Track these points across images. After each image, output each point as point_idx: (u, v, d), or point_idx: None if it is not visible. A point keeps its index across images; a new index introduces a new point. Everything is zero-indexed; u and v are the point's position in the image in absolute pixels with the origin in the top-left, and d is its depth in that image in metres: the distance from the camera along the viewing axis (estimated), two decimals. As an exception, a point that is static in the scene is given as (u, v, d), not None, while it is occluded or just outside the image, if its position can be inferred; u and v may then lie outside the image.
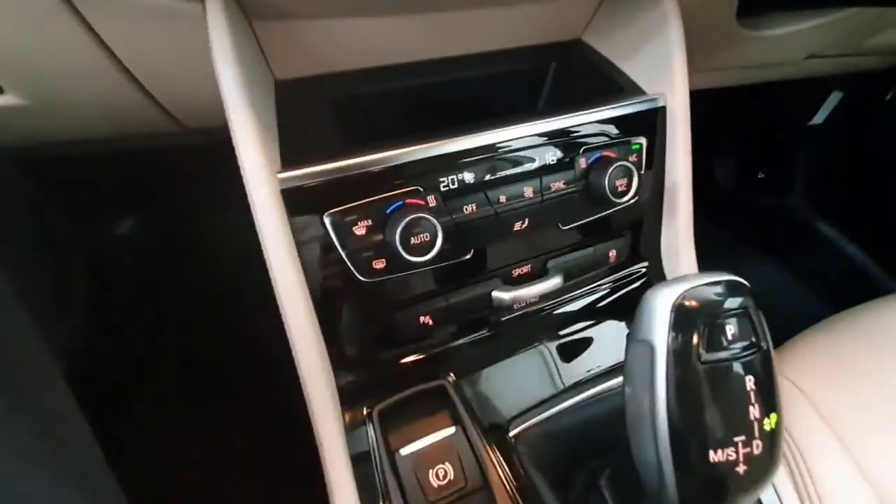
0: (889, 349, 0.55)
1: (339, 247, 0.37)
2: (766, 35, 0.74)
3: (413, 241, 0.37)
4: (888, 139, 1.11)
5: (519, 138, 0.42)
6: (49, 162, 0.59)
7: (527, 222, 0.43)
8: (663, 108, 0.48)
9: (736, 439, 0.25)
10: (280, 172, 0.35)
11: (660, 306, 0.25)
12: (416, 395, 0.41)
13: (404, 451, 0.38)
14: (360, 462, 0.38)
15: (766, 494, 0.42)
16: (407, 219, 0.36)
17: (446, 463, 0.38)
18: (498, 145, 0.41)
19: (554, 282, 0.44)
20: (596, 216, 0.46)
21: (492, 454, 0.39)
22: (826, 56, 0.90)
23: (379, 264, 0.38)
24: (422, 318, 0.41)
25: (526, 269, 0.45)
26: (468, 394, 0.42)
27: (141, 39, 0.37)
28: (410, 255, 0.37)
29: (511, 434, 0.41)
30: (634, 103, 0.47)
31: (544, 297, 0.46)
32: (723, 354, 0.25)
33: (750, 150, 1.36)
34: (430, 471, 0.37)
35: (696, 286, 0.26)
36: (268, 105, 0.40)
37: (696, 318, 0.25)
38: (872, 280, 1.17)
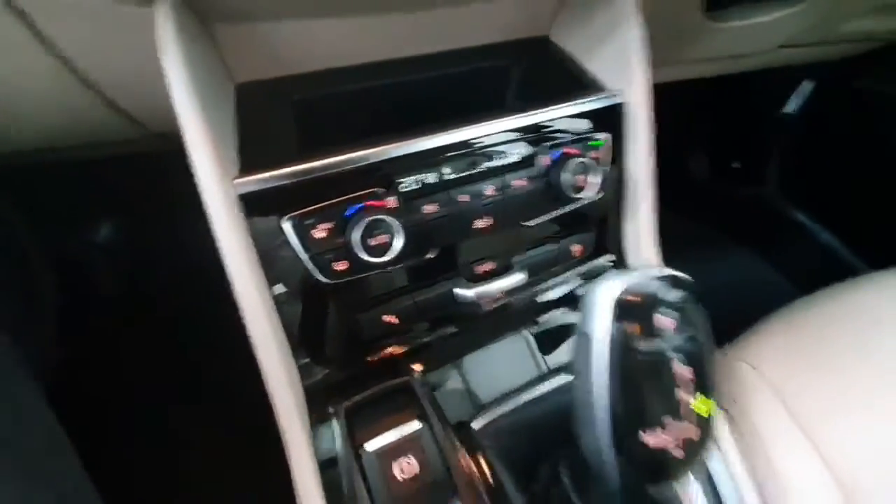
0: (850, 332, 0.57)
1: (300, 250, 0.37)
2: (735, 26, 0.75)
3: (372, 242, 0.37)
4: (857, 127, 1.14)
5: (478, 137, 0.43)
6: (16, 171, 0.59)
7: (489, 220, 0.43)
8: (623, 105, 0.49)
9: (671, 425, 0.26)
10: (237, 178, 0.36)
11: (599, 299, 0.26)
12: (382, 392, 0.42)
13: (369, 446, 0.39)
14: (327, 462, 0.39)
15: (723, 480, 0.44)
16: (366, 221, 0.37)
17: (410, 457, 0.39)
18: (457, 145, 0.42)
19: (517, 277, 0.45)
20: (558, 212, 0.47)
21: (456, 447, 0.40)
22: (799, 46, 0.91)
23: (341, 266, 0.39)
24: (385, 318, 0.42)
25: (490, 266, 0.46)
26: (434, 389, 0.43)
27: (94, 43, 0.37)
28: (371, 256, 0.37)
29: (476, 427, 0.42)
30: (594, 100, 0.47)
31: (510, 292, 0.46)
32: (658, 345, 0.26)
33: (723, 141, 1.38)
34: (395, 465, 0.38)
35: (637, 281, 0.27)
36: (225, 109, 0.40)
37: (634, 310, 0.26)
38: (846, 267, 1.20)
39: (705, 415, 0.26)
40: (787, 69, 1.28)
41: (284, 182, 0.36)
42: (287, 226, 0.37)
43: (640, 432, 0.26)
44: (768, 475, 0.47)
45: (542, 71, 0.53)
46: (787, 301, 0.66)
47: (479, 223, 0.43)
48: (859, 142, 1.15)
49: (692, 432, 0.26)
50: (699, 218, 1.40)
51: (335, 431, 0.40)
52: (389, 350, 0.44)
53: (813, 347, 0.56)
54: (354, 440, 0.40)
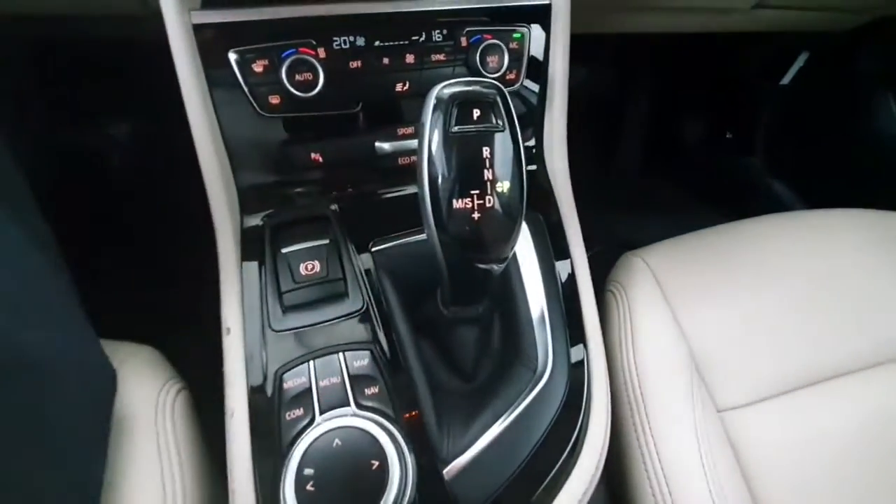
0: (733, 248, 0.63)
1: (241, 80, 0.46)
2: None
3: (298, 77, 0.46)
4: (845, 103, 1.15)
5: (409, 13, 0.50)
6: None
7: (408, 85, 0.51)
8: (548, 6, 0.55)
9: (472, 192, 0.34)
10: (194, 10, 0.45)
11: (430, 96, 0.34)
12: (303, 217, 0.51)
13: (284, 249, 0.48)
14: (250, 262, 0.48)
15: (594, 338, 0.51)
16: (293, 58, 0.45)
17: (315, 260, 0.48)
18: (387, 15, 0.49)
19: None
20: None
21: (353, 258, 0.49)
22: (774, 7, 0.94)
23: (274, 100, 0.48)
24: (312, 154, 0.51)
25: (409, 130, 0.54)
26: (346, 221, 0.52)
27: None
28: (296, 90, 0.46)
29: (373, 249, 0.51)
30: None
31: None
32: (467, 128, 0.34)
33: (720, 110, 1.40)
34: (302, 264, 0.48)
35: (460, 83, 0.35)
36: None
37: (452, 102, 0.34)
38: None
39: (503, 191, 0.34)
40: (787, 41, 1.29)
41: (233, 20, 0.45)
42: (232, 56, 0.46)
43: (451, 199, 0.34)
44: (627, 326, 0.55)
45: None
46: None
47: (399, 87, 0.51)
48: (846, 118, 1.17)
49: (489, 201, 0.34)
50: (686, 184, 1.44)
51: (264, 240, 0.50)
52: (313, 186, 0.53)
53: (700, 253, 0.63)
54: (275, 246, 0.49)
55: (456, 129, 0.34)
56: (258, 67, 0.46)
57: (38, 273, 0.43)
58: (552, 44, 0.57)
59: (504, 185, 0.35)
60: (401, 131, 0.54)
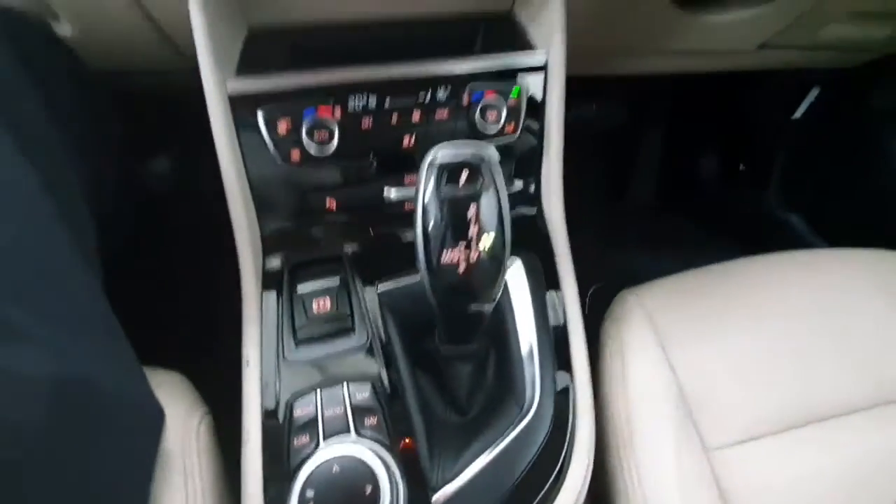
0: (727, 287, 0.65)
1: (266, 136, 0.53)
2: (706, 20, 0.83)
3: (317, 135, 0.52)
4: (857, 138, 1.15)
5: (417, 76, 0.56)
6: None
7: (414, 138, 0.57)
8: (545, 63, 0.61)
9: (460, 244, 0.38)
10: (230, 79, 0.52)
11: (425, 161, 0.40)
12: (319, 258, 0.57)
13: (300, 288, 0.54)
14: (269, 300, 0.54)
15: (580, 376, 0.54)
16: (313, 119, 0.52)
17: (326, 297, 0.53)
18: (397, 79, 0.55)
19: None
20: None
21: (361, 297, 0.54)
22: (780, 47, 0.97)
23: (295, 154, 0.54)
24: (328, 201, 0.57)
25: (415, 177, 0.59)
26: (357, 262, 0.57)
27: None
28: (315, 146, 0.52)
29: (379, 288, 0.55)
30: (518, 55, 0.59)
31: None
32: (455, 190, 0.39)
33: (731, 142, 1.42)
34: (315, 301, 0.53)
35: (452, 148, 0.40)
36: (235, 37, 0.56)
37: (443, 168, 0.39)
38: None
39: (486, 246, 0.39)
40: (800, 75, 1.31)
41: (263, 88, 0.52)
42: (260, 114, 0.52)
43: (440, 252, 0.39)
44: (621, 370, 0.57)
45: (489, 29, 0.65)
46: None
47: (406, 140, 0.57)
48: (860, 153, 1.17)
49: (474, 256, 0.39)
50: (700, 217, 1.45)
51: (283, 280, 0.55)
52: (329, 230, 0.59)
53: (697, 292, 0.65)
54: (292, 286, 0.55)
55: (445, 189, 0.39)
56: (282, 126, 0.53)
57: (94, 297, 0.46)
58: (548, 96, 0.62)
59: (488, 240, 0.39)
60: (407, 179, 0.59)
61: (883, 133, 1.09)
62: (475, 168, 0.39)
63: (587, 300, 0.56)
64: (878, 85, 1.12)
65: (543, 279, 0.58)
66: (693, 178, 1.52)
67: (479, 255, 0.39)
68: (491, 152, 0.40)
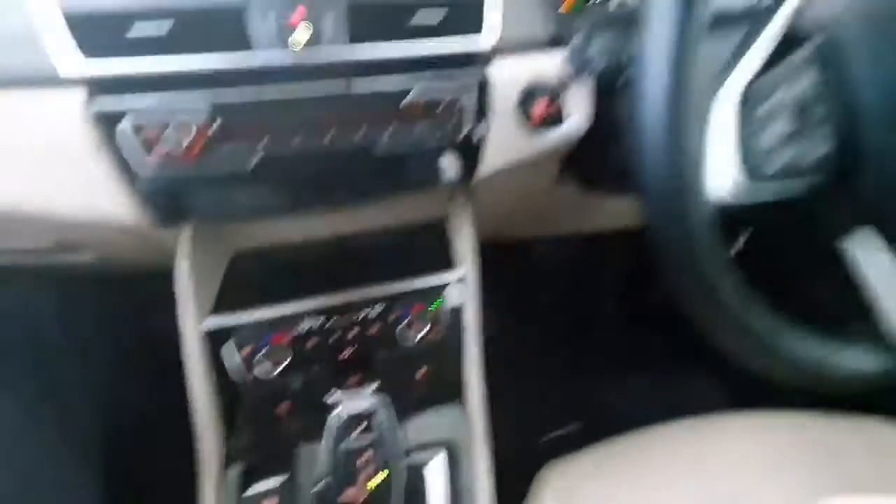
0: (645, 462, 0.73)
1: (233, 363, 0.67)
2: (610, 203, 0.99)
3: (266, 363, 0.66)
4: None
5: (353, 301, 0.71)
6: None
7: (351, 351, 0.71)
8: (461, 279, 0.75)
9: (352, 485, 0.50)
10: (206, 317, 0.67)
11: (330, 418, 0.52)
12: (270, 459, 0.69)
13: (246, 493, 0.65)
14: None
15: None
16: (265, 349, 0.66)
17: (275, 497, 0.64)
18: (337, 304, 0.70)
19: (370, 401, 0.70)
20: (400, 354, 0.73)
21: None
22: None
23: (250, 375, 0.68)
24: (283, 405, 0.70)
25: (356, 378, 0.72)
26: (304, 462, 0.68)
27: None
28: (263, 373, 0.67)
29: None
30: (441, 274, 0.75)
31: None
32: (350, 439, 0.51)
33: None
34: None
35: (352, 401, 0.52)
36: (216, 273, 0.73)
37: (339, 420, 0.51)
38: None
39: (375, 482, 0.50)
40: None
41: (235, 323, 0.67)
42: (229, 344, 0.67)
43: (343, 490, 0.50)
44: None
45: (421, 248, 0.82)
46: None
47: (346, 353, 0.71)
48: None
49: (363, 493, 0.50)
50: (670, 336, 1.52)
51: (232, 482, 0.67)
52: (281, 434, 0.71)
53: (613, 464, 0.73)
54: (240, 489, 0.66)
55: (346, 445, 0.51)
56: (245, 351, 0.67)
57: None
58: (466, 304, 0.76)
59: (378, 479, 0.51)
60: (350, 381, 0.72)
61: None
62: (369, 417, 0.52)
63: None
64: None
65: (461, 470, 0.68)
66: (661, 297, 1.61)
67: (368, 495, 0.50)
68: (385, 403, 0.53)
